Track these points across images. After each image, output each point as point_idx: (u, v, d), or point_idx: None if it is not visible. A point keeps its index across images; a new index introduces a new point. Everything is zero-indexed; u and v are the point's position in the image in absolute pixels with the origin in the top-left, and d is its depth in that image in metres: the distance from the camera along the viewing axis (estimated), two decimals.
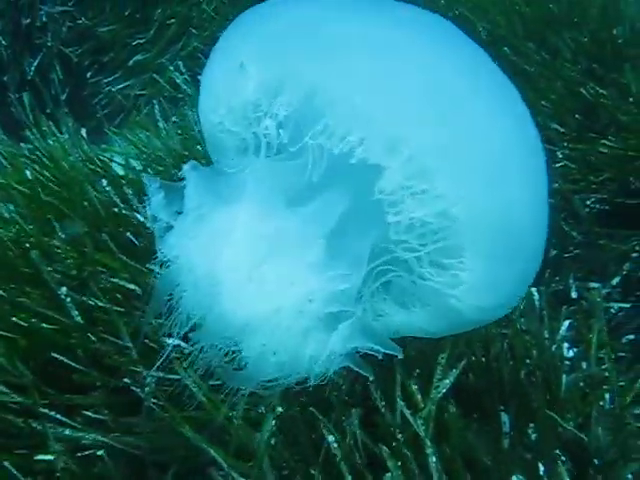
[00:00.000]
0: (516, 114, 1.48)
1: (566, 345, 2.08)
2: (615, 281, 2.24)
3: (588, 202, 2.32)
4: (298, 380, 1.46)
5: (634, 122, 2.44)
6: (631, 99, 2.51)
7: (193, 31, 3.97)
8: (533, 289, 2.21)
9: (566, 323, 2.10)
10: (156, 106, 2.98)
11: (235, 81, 1.47)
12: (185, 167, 1.54)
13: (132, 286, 1.94)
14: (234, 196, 1.48)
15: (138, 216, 2.12)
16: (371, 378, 1.57)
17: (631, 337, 2.18)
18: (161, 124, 2.71)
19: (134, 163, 2.63)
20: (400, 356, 1.51)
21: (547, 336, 1.96)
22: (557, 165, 2.33)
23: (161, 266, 1.50)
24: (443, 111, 1.36)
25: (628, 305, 2.19)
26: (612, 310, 2.19)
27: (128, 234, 2.08)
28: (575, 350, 2.07)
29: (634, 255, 2.26)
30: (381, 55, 1.38)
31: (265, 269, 1.42)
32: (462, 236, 1.37)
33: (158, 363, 1.53)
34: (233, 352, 1.45)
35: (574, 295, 2.23)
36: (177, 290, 1.47)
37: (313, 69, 1.37)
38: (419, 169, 1.32)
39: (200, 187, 1.51)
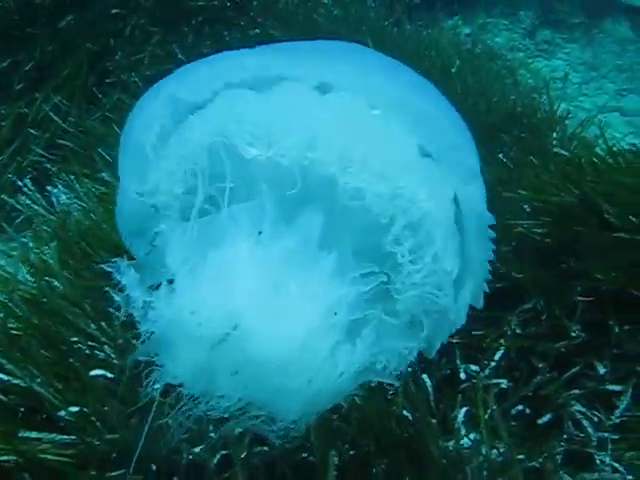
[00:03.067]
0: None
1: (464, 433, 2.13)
2: (497, 356, 2.31)
3: None
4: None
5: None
6: None
7: (31, 131, 3.74)
8: (424, 375, 2.26)
9: (462, 410, 2.15)
10: None
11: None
12: (162, 226, 1.48)
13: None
14: (222, 237, 1.41)
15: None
16: (396, 384, 1.56)
17: (520, 407, 2.24)
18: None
19: None
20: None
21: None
22: None
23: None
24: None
25: (506, 380, 2.26)
26: (502, 385, 2.26)
27: None
28: (474, 434, 2.11)
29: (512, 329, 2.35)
30: None
31: (284, 291, 1.36)
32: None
33: None
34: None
35: (463, 376, 2.28)
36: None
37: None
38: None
39: (182, 241, 1.44)
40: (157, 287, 1.46)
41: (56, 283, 2.30)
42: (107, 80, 4.00)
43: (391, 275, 1.46)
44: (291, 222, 1.44)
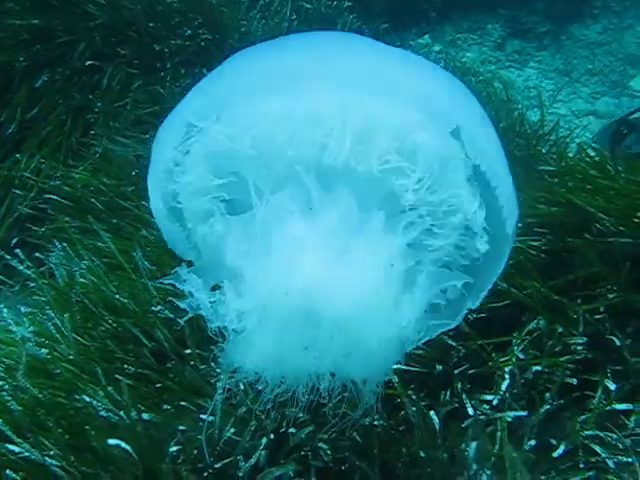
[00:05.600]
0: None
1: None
2: (504, 386, 2.32)
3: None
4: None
5: None
6: None
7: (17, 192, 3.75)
8: (432, 412, 2.27)
9: (473, 444, 2.16)
10: None
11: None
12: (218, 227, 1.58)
13: None
14: (276, 223, 1.52)
15: None
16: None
17: (533, 442, 2.22)
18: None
19: None
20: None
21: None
22: None
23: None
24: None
25: (522, 412, 2.26)
26: (507, 418, 2.25)
27: None
28: (489, 473, 2.11)
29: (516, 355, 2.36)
30: None
31: (348, 254, 1.47)
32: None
33: None
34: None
35: (471, 411, 2.28)
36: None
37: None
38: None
39: (238, 235, 1.55)
40: (219, 286, 1.56)
41: (63, 346, 2.29)
42: (91, 132, 4.02)
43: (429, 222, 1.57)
44: (330, 193, 1.54)
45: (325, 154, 1.48)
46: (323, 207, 1.53)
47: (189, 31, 4.51)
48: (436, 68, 1.73)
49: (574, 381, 2.26)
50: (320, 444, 2.17)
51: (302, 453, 2.13)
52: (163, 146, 1.66)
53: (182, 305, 1.57)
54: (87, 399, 2.10)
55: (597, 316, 2.43)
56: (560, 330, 2.40)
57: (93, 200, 3.55)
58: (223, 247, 1.57)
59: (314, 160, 1.51)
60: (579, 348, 2.37)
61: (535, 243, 2.64)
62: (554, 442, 2.18)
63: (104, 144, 3.89)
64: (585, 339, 2.37)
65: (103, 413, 2.08)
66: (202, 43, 4.55)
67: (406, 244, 1.54)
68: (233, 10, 4.92)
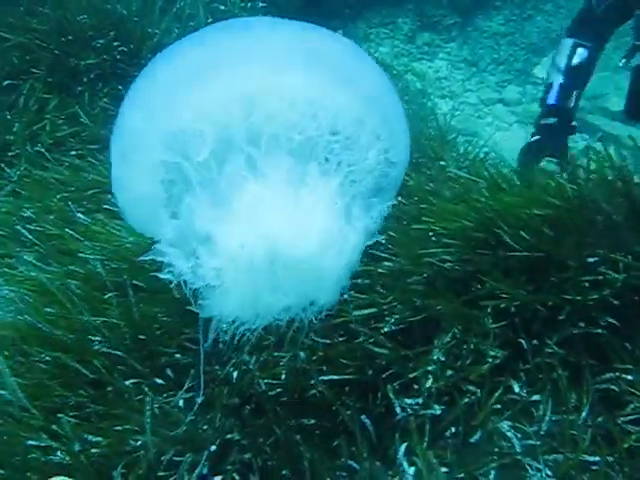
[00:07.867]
0: None
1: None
2: (428, 384, 2.51)
3: (386, 329, 2.58)
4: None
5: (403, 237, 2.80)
6: None
7: None
8: (363, 417, 2.44)
9: (402, 447, 2.35)
10: None
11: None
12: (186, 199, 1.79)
13: None
14: (234, 189, 1.75)
15: None
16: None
17: (453, 429, 2.44)
18: None
19: None
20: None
21: None
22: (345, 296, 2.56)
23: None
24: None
25: (438, 406, 2.46)
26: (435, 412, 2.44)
27: None
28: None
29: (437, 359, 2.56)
30: None
31: (299, 202, 1.74)
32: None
33: None
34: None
35: (398, 410, 2.46)
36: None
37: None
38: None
39: (205, 204, 1.76)
40: (194, 252, 1.77)
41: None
42: (9, 154, 3.97)
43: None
44: (273, 156, 1.77)
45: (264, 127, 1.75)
46: (270, 169, 1.78)
47: (101, 41, 4.50)
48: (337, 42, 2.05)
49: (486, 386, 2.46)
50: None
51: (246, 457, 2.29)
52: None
53: (164, 276, 1.80)
54: (33, 442, 2.16)
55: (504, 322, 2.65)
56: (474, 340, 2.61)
57: (18, 227, 3.51)
58: (193, 217, 1.79)
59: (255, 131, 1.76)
60: (491, 354, 2.58)
61: (447, 257, 2.82)
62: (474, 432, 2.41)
63: (23, 167, 3.86)
64: (497, 350, 2.58)
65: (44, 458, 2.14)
66: (118, 56, 4.56)
67: (339, 183, 1.82)
68: (145, 19, 4.93)
